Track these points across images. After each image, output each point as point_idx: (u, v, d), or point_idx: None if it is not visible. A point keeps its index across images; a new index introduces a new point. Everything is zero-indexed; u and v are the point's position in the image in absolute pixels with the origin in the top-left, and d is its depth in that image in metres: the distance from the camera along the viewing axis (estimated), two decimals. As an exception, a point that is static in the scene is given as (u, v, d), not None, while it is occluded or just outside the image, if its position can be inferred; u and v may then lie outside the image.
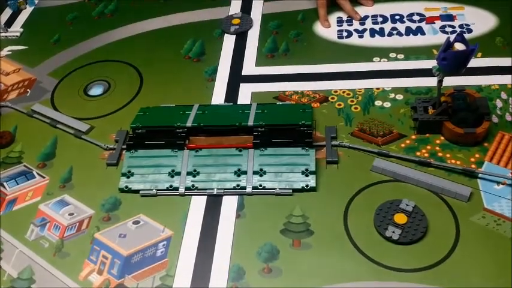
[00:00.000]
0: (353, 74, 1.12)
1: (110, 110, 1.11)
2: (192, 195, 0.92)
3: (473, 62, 0.88)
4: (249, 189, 0.91)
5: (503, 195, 0.86)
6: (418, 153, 0.94)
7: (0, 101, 1.16)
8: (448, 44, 0.85)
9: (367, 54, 1.17)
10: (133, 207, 0.91)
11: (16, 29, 1.39)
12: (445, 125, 0.94)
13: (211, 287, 0.79)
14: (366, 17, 1.27)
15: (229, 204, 0.90)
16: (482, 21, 1.21)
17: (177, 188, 0.92)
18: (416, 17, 1.25)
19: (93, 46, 1.22)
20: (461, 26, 1.21)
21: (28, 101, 1.16)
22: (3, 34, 1.36)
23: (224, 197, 0.91)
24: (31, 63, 1.26)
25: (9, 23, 1.41)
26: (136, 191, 0.93)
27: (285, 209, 0.88)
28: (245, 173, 0.92)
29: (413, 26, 1.23)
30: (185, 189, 0.92)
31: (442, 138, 0.96)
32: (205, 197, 0.91)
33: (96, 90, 1.16)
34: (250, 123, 0.97)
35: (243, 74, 1.16)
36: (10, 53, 1.31)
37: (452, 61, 0.85)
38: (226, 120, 0.99)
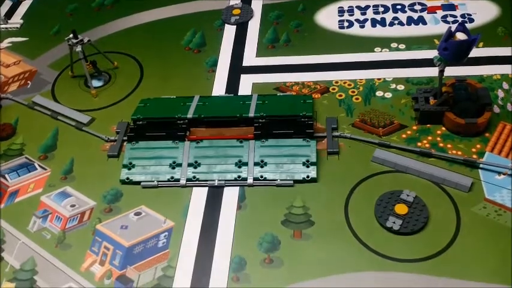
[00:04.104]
0: (354, 64, 1.12)
1: (110, 102, 1.11)
2: (193, 186, 0.92)
3: (475, 52, 0.88)
4: (250, 181, 0.91)
5: (504, 186, 0.85)
6: (419, 144, 0.94)
7: (1, 93, 1.16)
8: (450, 34, 0.85)
9: (368, 44, 1.16)
10: (135, 198, 0.91)
11: (16, 20, 1.38)
12: (446, 115, 0.94)
13: (212, 278, 0.79)
14: (367, 6, 1.27)
15: (230, 196, 0.90)
16: (483, 11, 1.20)
17: (178, 180, 0.92)
18: (417, 7, 1.24)
19: (94, 37, 1.21)
20: (462, 16, 1.20)
21: (29, 93, 1.16)
22: (3, 26, 1.35)
23: (225, 188, 0.91)
24: (31, 55, 1.26)
25: (9, 14, 1.41)
26: (138, 183, 0.93)
27: (286, 200, 0.88)
28: (246, 164, 0.92)
29: (415, 15, 1.22)
30: (186, 181, 0.92)
31: (443, 128, 0.95)
32: (207, 188, 0.92)
33: (96, 82, 1.15)
34: (251, 114, 0.96)
35: (243, 65, 1.16)
36: (10, 44, 1.31)
37: (454, 51, 0.85)
38: (227, 111, 0.99)
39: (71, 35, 1.09)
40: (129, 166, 0.95)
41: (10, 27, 1.36)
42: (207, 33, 1.25)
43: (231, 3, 1.33)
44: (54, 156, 1.01)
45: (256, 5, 1.32)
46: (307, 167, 0.91)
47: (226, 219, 0.87)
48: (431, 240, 0.80)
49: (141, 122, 0.99)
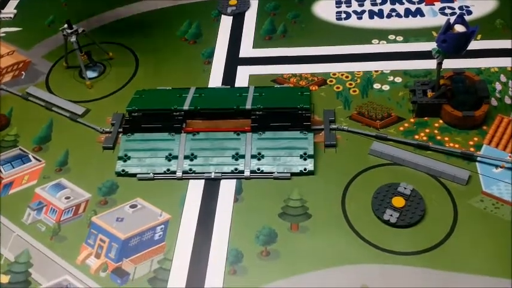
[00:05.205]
0: (352, 56, 1.11)
1: (105, 93, 1.09)
2: (189, 179, 0.91)
3: (473, 45, 0.87)
4: (247, 173, 0.90)
5: (501, 179, 0.85)
6: (417, 137, 0.93)
7: (-5, 83, 1.15)
8: (448, 26, 0.85)
9: (366, 36, 1.15)
10: (131, 191, 0.91)
11: (10, 10, 1.36)
12: (444, 108, 0.93)
13: (209, 271, 0.79)
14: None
15: (227, 188, 0.89)
16: (482, 3, 1.20)
17: (174, 172, 0.92)
18: (415, -1, 1.24)
19: (88, 28, 1.20)
20: (461, 8, 1.20)
21: (23, 84, 1.14)
22: (-4, 15, 1.34)
23: (222, 181, 0.91)
24: (25, 46, 1.24)
25: (3, 4, 1.39)
26: (133, 175, 0.92)
27: (283, 192, 0.88)
28: (243, 156, 0.92)
29: (413, 7, 1.21)
30: (183, 173, 0.91)
31: (441, 121, 0.95)
32: (203, 180, 0.91)
33: (91, 73, 1.14)
34: (248, 106, 0.96)
35: (240, 56, 1.15)
36: (4, 35, 1.29)
37: (452, 43, 0.84)
38: (224, 103, 0.98)
39: (66, 25, 1.08)
40: (125, 158, 0.94)
41: (3, 17, 1.34)
42: (203, 23, 1.24)
43: (228, -7, 1.32)
44: (49, 147, 1.00)
45: (253, -4, 1.31)
46: (305, 159, 0.91)
47: (223, 212, 0.86)
48: (429, 233, 0.80)
49: (136, 114, 0.98)
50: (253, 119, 0.95)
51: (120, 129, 1.00)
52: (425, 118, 0.96)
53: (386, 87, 1.03)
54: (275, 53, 1.15)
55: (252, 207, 0.87)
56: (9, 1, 1.40)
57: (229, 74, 1.10)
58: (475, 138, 0.92)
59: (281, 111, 0.95)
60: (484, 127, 0.93)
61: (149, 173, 0.92)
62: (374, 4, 1.24)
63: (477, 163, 0.88)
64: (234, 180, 0.90)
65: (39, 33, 1.27)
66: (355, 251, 0.79)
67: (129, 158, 0.94)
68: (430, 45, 0.89)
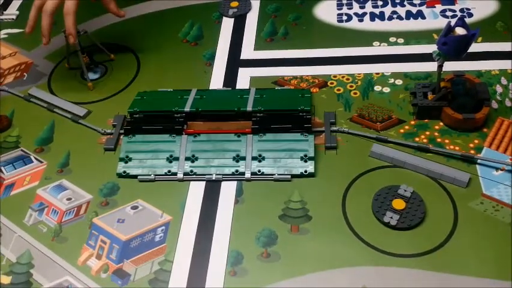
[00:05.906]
0: (352, 58, 1.11)
1: (107, 94, 1.10)
2: (190, 180, 0.92)
3: (474, 47, 0.88)
4: (247, 175, 0.90)
5: (501, 181, 0.86)
6: (417, 139, 0.93)
7: (-3, 85, 1.16)
8: (449, 29, 0.85)
9: (367, 38, 1.16)
10: (132, 192, 0.91)
11: (12, 11, 1.37)
12: (444, 110, 0.93)
13: (209, 272, 0.79)
14: (366, 0, 1.26)
15: (227, 190, 0.90)
16: (483, 6, 1.20)
17: (175, 174, 0.92)
18: (416, 1, 1.24)
19: (90, 29, 1.20)
20: (461, 10, 1.20)
21: (25, 85, 1.15)
22: (-2, 17, 1.35)
23: (223, 183, 0.91)
24: (28, 47, 1.25)
25: (5, 5, 1.40)
26: (134, 176, 0.93)
27: (284, 194, 0.88)
28: (244, 158, 0.92)
29: (414, 10, 1.22)
30: (183, 175, 0.92)
31: (441, 123, 0.95)
32: (204, 182, 0.91)
33: (93, 74, 1.15)
34: (249, 108, 0.96)
35: (241, 58, 1.15)
36: (6, 36, 1.30)
37: (453, 46, 0.85)
38: (225, 105, 0.98)
39: None
40: (126, 159, 0.94)
41: (6, 19, 1.34)
42: (205, 25, 1.25)
43: (229, -5, 1.32)
44: (51, 149, 1.00)
45: (255, -2, 1.31)
46: (305, 161, 0.91)
47: (224, 214, 0.86)
48: (429, 236, 0.80)
49: (137, 115, 0.99)
50: (254, 121, 0.96)
51: (122, 131, 1.00)
52: (426, 120, 0.96)
53: (387, 90, 1.03)
54: (276, 55, 1.15)
55: (253, 209, 0.87)
56: (11, 2, 1.41)
57: (231, 76, 1.11)
58: (476, 141, 0.92)
59: (282, 113, 0.95)
60: (485, 129, 0.93)
61: (150, 175, 0.92)
62: (375, 6, 1.24)
63: (477, 165, 0.88)
64: (235, 182, 0.91)
65: (41, 34, 1.27)
66: (355, 253, 0.79)
67: (130, 159, 0.94)
68: (431, 48, 0.89)
